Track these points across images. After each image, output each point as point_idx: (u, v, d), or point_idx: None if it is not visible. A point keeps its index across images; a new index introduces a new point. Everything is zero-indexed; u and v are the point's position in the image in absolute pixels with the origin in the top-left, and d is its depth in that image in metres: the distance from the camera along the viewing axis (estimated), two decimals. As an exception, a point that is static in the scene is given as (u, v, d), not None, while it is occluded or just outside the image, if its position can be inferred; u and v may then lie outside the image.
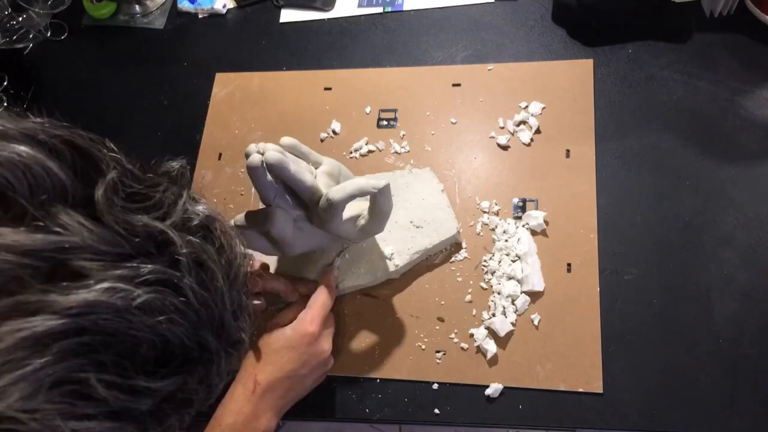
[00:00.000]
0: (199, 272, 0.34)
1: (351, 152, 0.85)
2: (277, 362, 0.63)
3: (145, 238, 0.32)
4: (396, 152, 0.84)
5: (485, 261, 0.75)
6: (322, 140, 0.87)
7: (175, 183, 0.37)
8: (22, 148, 0.30)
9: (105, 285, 0.29)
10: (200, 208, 0.37)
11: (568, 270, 0.73)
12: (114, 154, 0.35)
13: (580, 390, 0.67)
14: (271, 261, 0.76)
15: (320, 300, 0.67)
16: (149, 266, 0.31)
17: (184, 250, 0.33)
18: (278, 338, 0.64)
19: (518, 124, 0.82)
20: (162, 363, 0.32)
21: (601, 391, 0.66)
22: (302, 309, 0.67)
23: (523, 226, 0.75)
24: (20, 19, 0.99)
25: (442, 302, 0.74)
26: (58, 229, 0.29)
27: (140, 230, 0.32)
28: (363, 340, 0.73)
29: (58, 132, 0.33)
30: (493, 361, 0.70)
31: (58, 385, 0.28)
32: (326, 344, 0.66)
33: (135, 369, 0.31)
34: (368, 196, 0.62)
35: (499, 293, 0.72)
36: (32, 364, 0.27)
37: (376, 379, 0.72)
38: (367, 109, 0.87)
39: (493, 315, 0.71)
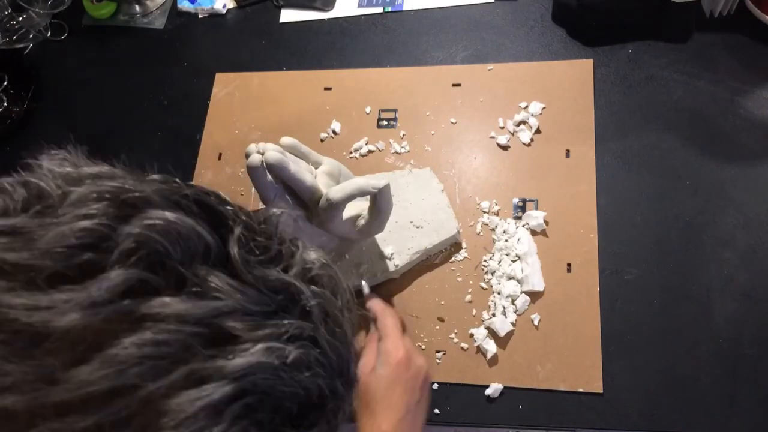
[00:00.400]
0: (327, 321, 0.34)
1: (351, 152, 0.85)
2: (392, 404, 0.60)
3: (282, 292, 0.32)
4: (396, 152, 0.84)
5: (485, 261, 0.75)
6: (322, 140, 0.87)
7: (282, 233, 0.37)
8: (168, 213, 0.30)
9: (262, 345, 0.29)
10: (314, 256, 0.37)
11: (568, 270, 0.73)
12: (232, 207, 0.35)
13: (580, 390, 0.67)
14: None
15: (389, 323, 0.64)
16: (290, 321, 0.31)
17: (313, 302, 0.33)
18: (378, 382, 0.61)
19: (518, 124, 0.82)
20: (303, 415, 0.32)
21: (601, 391, 0.66)
22: (372, 345, 0.65)
23: (523, 226, 0.75)
24: (20, 19, 0.99)
25: (442, 302, 0.74)
26: (216, 294, 0.29)
27: (276, 284, 0.32)
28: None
29: (185, 191, 0.32)
30: (493, 361, 0.70)
31: None
32: (420, 360, 0.63)
33: (283, 423, 0.31)
34: (368, 196, 0.62)
35: (499, 293, 0.72)
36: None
37: (376, 379, 0.72)
38: (367, 109, 0.87)
39: (493, 315, 0.71)
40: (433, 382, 0.70)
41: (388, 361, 0.61)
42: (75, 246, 0.28)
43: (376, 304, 0.68)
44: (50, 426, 0.26)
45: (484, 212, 0.77)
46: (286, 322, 0.31)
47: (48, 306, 0.26)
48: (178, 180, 0.34)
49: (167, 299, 0.28)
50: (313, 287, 0.34)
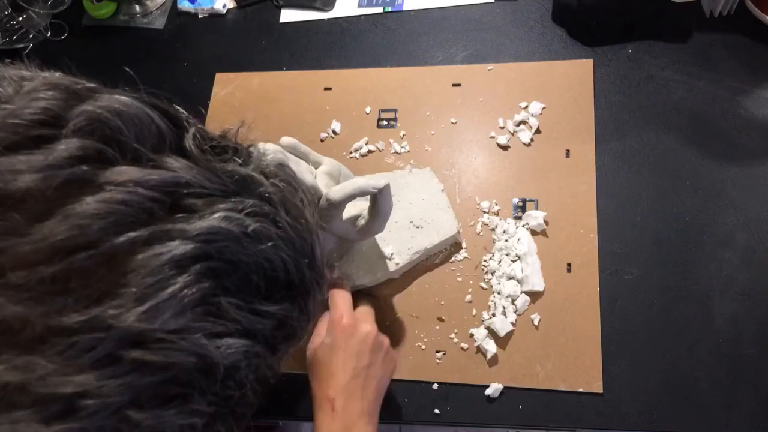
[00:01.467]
0: (288, 208, 0.36)
1: (351, 152, 0.85)
2: (336, 371, 0.60)
3: (239, 181, 0.34)
4: (396, 152, 0.84)
5: (485, 261, 0.75)
6: (322, 140, 0.87)
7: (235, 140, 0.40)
8: (122, 98, 0.32)
9: (221, 214, 0.31)
10: (271, 157, 0.40)
11: (568, 270, 0.73)
12: (187, 114, 0.38)
13: (580, 390, 0.67)
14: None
15: (338, 295, 0.65)
16: (249, 200, 0.33)
17: (272, 190, 0.36)
18: (323, 351, 0.62)
19: (518, 124, 0.82)
20: (270, 290, 0.34)
21: (601, 391, 0.66)
22: (323, 320, 0.65)
23: (523, 226, 0.75)
24: (20, 19, 0.99)
25: (442, 302, 0.74)
26: (174, 169, 0.31)
27: (233, 174, 0.34)
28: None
29: (139, 95, 0.35)
30: (493, 361, 0.70)
31: (199, 305, 0.30)
32: (367, 326, 0.63)
33: (252, 294, 0.33)
34: (368, 196, 0.62)
35: (499, 293, 0.72)
36: (178, 283, 0.29)
37: (376, 379, 0.72)
38: (367, 109, 0.87)
39: (493, 315, 0.71)
40: (433, 382, 0.70)
41: (332, 330, 0.62)
42: (30, 121, 0.29)
43: (329, 285, 0.68)
44: (19, 275, 0.27)
45: (484, 212, 0.77)
46: (244, 200, 0.33)
47: (8, 169, 0.28)
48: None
49: (124, 168, 0.30)
50: (272, 180, 0.37)
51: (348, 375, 0.60)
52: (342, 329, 0.62)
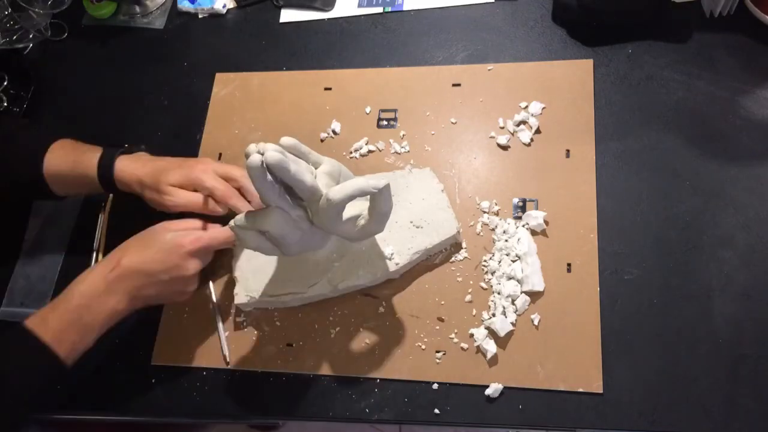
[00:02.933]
0: None
1: (351, 152, 0.85)
2: (144, 256, 0.66)
3: None
4: (396, 152, 0.84)
5: (485, 261, 0.75)
6: (322, 140, 0.87)
7: None
8: None
9: None
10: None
11: (568, 270, 0.73)
12: None
13: (580, 390, 0.67)
14: (271, 261, 0.76)
15: (214, 233, 0.70)
16: None
17: None
18: (156, 238, 0.67)
19: (518, 124, 0.82)
20: None
21: (601, 391, 0.66)
22: (196, 228, 0.70)
23: (523, 226, 0.75)
24: (20, 19, 0.99)
25: (442, 302, 0.74)
26: None
27: None
28: (363, 340, 0.73)
29: None
30: (493, 361, 0.70)
31: None
32: (193, 265, 0.68)
33: None
34: (368, 196, 0.62)
35: (499, 293, 0.72)
36: None
37: (376, 379, 0.72)
38: (367, 109, 0.87)
39: (493, 315, 0.71)
40: (433, 382, 0.70)
41: (176, 238, 0.67)
42: None
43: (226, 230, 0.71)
44: None
45: (484, 212, 0.77)
46: None
47: None
48: None
49: None
50: None
51: (146, 267, 0.66)
52: (180, 245, 0.67)
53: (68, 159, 0.77)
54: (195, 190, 0.74)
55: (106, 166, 0.76)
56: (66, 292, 0.65)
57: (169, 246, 0.67)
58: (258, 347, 0.76)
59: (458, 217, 0.77)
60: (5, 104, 0.99)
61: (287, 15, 0.99)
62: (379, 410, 0.70)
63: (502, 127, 0.82)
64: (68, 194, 0.80)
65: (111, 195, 0.88)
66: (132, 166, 0.76)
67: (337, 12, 0.98)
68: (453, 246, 0.76)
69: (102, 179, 0.76)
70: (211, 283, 0.80)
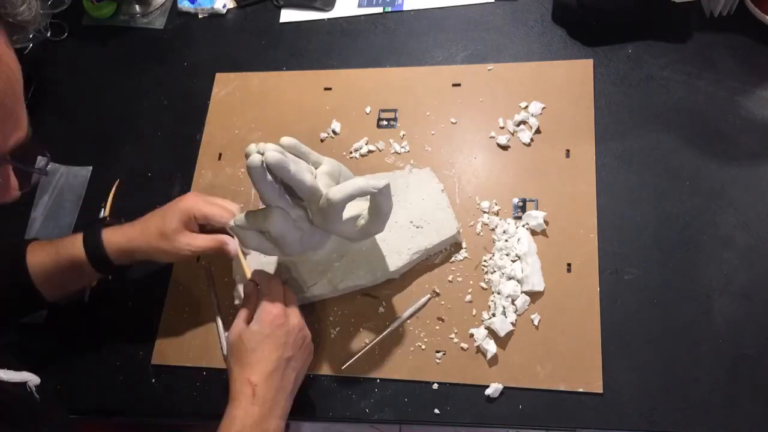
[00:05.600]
0: None
1: (351, 152, 0.85)
2: (262, 358, 0.63)
3: None
4: (396, 152, 0.84)
5: (485, 261, 0.75)
6: (322, 140, 0.87)
7: None
8: None
9: None
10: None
11: (568, 270, 0.73)
12: None
13: (580, 390, 0.67)
14: (271, 261, 0.76)
15: (273, 286, 0.67)
16: None
17: None
18: (249, 338, 0.64)
19: (518, 124, 0.82)
20: None
21: (601, 391, 0.66)
22: (251, 305, 0.68)
23: (523, 226, 0.75)
24: (20, 19, 0.99)
25: (442, 302, 0.74)
26: None
27: None
28: (363, 340, 0.73)
29: None
30: (493, 361, 0.70)
31: None
32: (295, 319, 0.66)
33: None
34: (368, 196, 0.62)
35: (499, 293, 0.72)
36: None
37: (376, 379, 0.72)
38: (367, 109, 0.87)
39: (493, 315, 0.71)
40: (433, 382, 0.70)
41: (262, 317, 0.64)
42: None
43: (260, 274, 0.71)
44: None
45: (484, 212, 0.77)
46: None
47: None
48: None
49: None
50: None
51: (272, 364, 0.63)
52: (272, 319, 0.64)
53: (49, 253, 0.71)
54: (195, 224, 0.72)
55: (93, 244, 0.71)
56: None
57: (265, 331, 0.64)
58: (258, 347, 0.76)
59: (458, 217, 0.77)
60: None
61: (287, 15, 0.99)
62: (379, 410, 0.70)
63: (502, 127, 0.82)
64: (59, 296, 0.74)
65: (111, 195, 0.88)
66: (123, 233, 0.72)
67: (337, 12, 0.98)
68: (453, 246, 0.76)
69: (92, 258, 0.70)
70: (211, 284, 0.80)
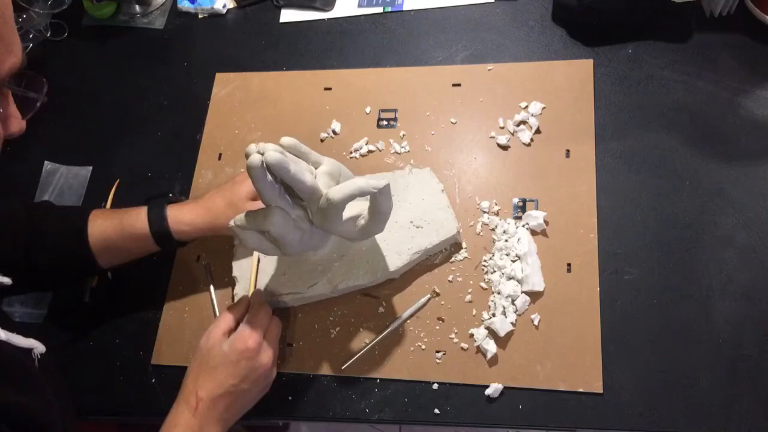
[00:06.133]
0: None
1: (351, 152, 0.85)
2: (217, 378, 0.64)
3: None
4: (396, 152, 0.84)
5: (485, 261, 0.75)
6: (322, 140, 0.87)
7: None
8: None
9: None
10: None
11: (568, 270, 0.73)
12: None
13: (580, 390, 0.67)
14: (271, 261, 0.76)
15: (261, 315, 0.68)
16: None
17: None
18: (216, 355, 0.65)
19: (518, 124, 0.82)
20: None
21: (601, 391, 0.66)
22: (239, 316, 0.68)
23: (523, 226, 0.75)
24: (20, 19, 0.99)
25: (442, 302, 0.74)
26: None
27: None
28: (363, 340, 0.73)
29: None
30: (493, 361, 0.70)
31: None
32: (265, 358, 0.66)
33: None
34: (368, 196, 0.62)
35: (499, 293, 0.72)
36: None
37: (376, 379, 0.72)
38: (367, 109, 0.87)
39: (493, 315, 0.71)
40: (433, 382, 0.70)
41: (235, 344, 0.65)
42: None
43: (257, 296, 0.72)
44: None
45: (484, 212, 0.77)
46: None
47: None
48: None
49: None
50: None
51: (225, 388, 0.64)
52: (243, 349, 0.65)
53: (113, 223, 0.73)
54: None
55: (157, 219, 0.72)
56: None
57: (232, 357, 0.64)
58: (258, 347, 0.76)
59: (458, 217, 0.77)
60: (5, 104, 0.99)
61: (287, 15, 0.99)
62: (379, 410, 0.70)
63: (502, 127, 0.82)
64: (113, 264, 0.76)
65: (112, 193, 0.88)
66: (188, 209, 0.73)
67: (337, 12, 0.98)
68: (453, 246, 0.76)
69: (156, 233, 0.72)
70: (211, 284, 0.80)
